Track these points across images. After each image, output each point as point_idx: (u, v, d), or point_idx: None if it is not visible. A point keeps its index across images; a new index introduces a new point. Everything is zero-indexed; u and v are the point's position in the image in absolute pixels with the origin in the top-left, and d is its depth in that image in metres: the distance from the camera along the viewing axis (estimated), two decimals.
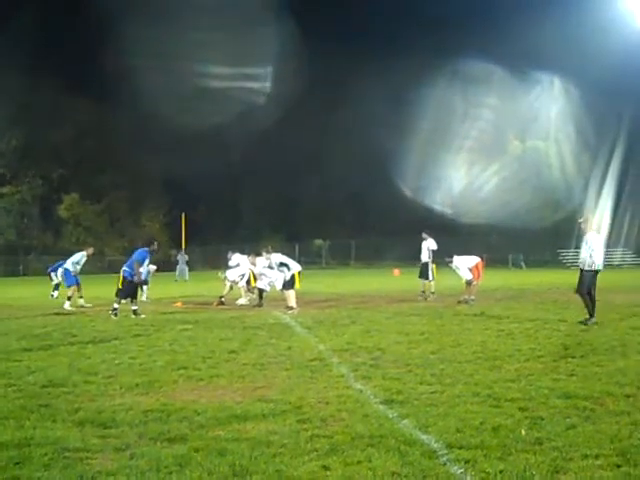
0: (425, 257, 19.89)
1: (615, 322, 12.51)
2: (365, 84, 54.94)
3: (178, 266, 40.66)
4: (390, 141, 54.05)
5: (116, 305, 15.57)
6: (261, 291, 18.21)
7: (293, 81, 55.33)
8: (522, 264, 50.05)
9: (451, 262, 17.93)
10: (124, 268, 16.05)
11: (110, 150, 60.04)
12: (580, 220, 13.23)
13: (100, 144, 59.49)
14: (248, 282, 19.06)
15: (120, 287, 15.88)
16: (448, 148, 54.63)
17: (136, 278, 15.98)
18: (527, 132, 57.58)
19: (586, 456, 4.76)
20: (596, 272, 12.81)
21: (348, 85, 56.51)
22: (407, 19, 60.31)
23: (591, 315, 12.47)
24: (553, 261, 49.53)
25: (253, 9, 52.58)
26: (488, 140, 55.00)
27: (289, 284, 16.32)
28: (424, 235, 20.09)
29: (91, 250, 20.53)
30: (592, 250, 12.70)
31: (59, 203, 61.77)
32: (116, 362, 9.08)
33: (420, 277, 20.17)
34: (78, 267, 19.34)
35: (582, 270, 12.82)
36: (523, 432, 5.36)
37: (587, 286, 12.71)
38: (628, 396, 6.48)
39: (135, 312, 15.60)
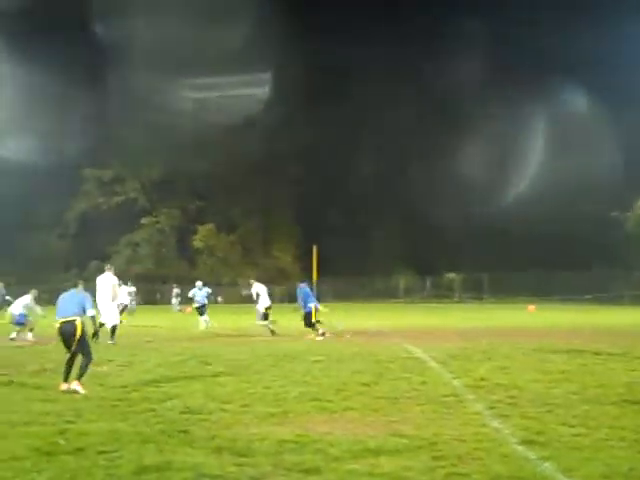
0: None
1: None
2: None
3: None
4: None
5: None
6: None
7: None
8: None
9: None
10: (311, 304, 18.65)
11: (243, 179, 61.83)
12: None
13: (233, 173, 61.08)
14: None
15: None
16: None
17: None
18: None
19: None
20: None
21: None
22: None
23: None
24: None
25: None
26: None
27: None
28: None
29: (35, 292, 18.95)
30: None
31: (194, 233, 64.01)
32: (250, 391, 9.22)
33: None
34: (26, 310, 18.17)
35: None
36: None
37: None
38: None
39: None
